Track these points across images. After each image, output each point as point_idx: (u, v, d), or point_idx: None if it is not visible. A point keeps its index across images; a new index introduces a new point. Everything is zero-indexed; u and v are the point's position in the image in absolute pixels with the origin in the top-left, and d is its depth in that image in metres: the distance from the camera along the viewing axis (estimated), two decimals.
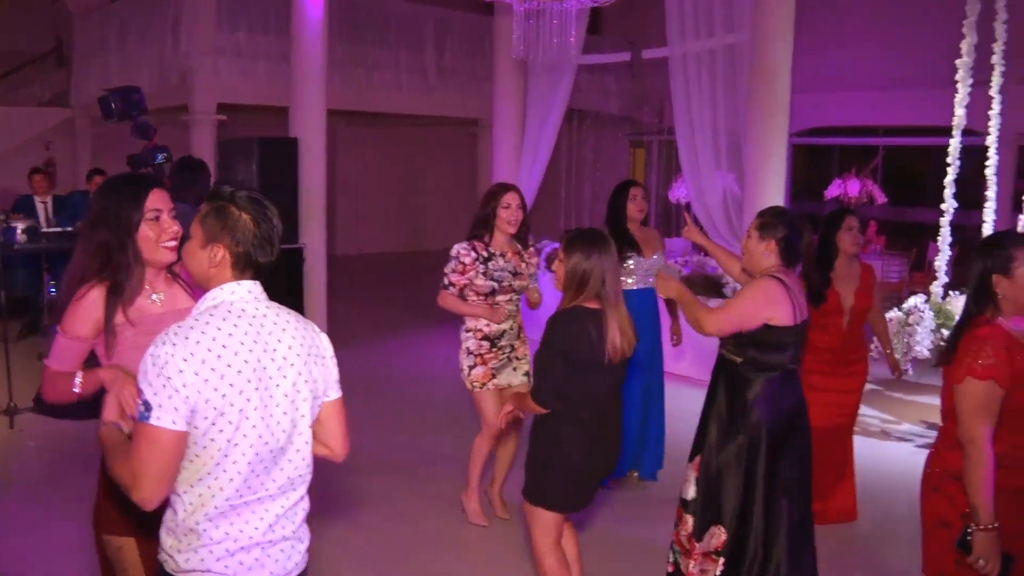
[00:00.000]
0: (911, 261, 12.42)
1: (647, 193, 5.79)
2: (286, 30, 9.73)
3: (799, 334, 3.75)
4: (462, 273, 4.77)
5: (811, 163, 17.62)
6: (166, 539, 2.25)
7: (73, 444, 6.30)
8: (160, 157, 5.55)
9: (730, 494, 3.79)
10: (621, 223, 5.57)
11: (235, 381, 2.15)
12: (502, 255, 4.84)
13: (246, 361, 2.18)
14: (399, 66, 13.60)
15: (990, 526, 2.88)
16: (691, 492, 3.94)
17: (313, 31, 9.09)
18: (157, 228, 2.83)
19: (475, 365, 4.87)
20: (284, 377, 2.26)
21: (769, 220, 3.77)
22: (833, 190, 12.75)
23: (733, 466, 3.78)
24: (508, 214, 4.81)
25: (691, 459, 3.99)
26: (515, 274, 4.84)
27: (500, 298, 4.80)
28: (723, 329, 3.76)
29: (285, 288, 8.63)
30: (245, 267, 2.29)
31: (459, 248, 4.81)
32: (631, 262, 5.56)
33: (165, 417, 2.09)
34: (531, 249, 5.07)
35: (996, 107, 7.24)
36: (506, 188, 4.90)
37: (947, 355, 3.10)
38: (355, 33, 13.11)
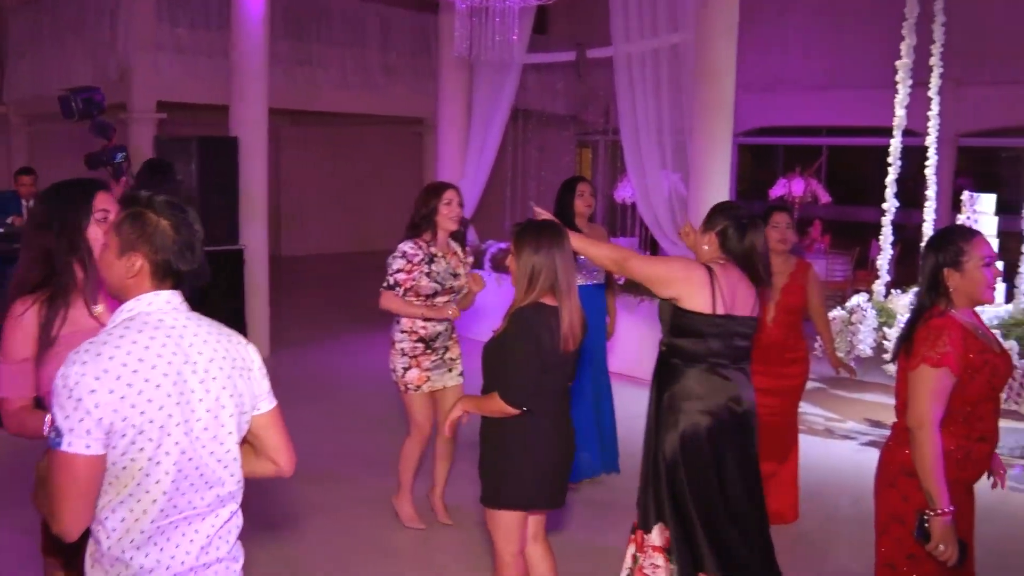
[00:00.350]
0: (855, 260, 12.55)
1: (595, 190, 5.75)
2: (229, 26, 9.53)
3: (722, 327, 3.63)
4: (408, 272, 4.66)
5: (757, 163, 17.79)
6: (93, 572, 2.11)
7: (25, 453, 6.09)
8: (119, 156, 5.61)
9: (668, 492, 3.71)
10: (568, 219, 5.50)
11: (154, 396, 2.03)
12: (443, 256, 4.76)
13: (165, 375, 2.06)
14: (343, 64, 13.43)
15: (945, 510, 2.90)
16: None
17: (254, 26, 8.91)
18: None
19: (409, 367, 4.77)
20: (207, 391, 2.14)
21: (712, 212, 3.78)
22: (778, 189, 12.84)
23: (666, 463, 3.70)
24: (450, 211, 4.72)
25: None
26: (454, 275, 4.77)
27: (440, 300, 4.72)
28: (627, 264, 3.78)
29: (225, 291, 8.46)
30: (165, 276, 2.17)
31: (406, 246, 4.70)
32: (579, 259, 5.52)
33: (77, 442, 1.96)
34: (467, 250, 5.02)
35: (935, 108, 7.31)
36: (446, 185, 4.83)
37: (902, 348, 3.12)
38: (298, 31, 12.91)
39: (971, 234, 3.12)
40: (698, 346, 3.64)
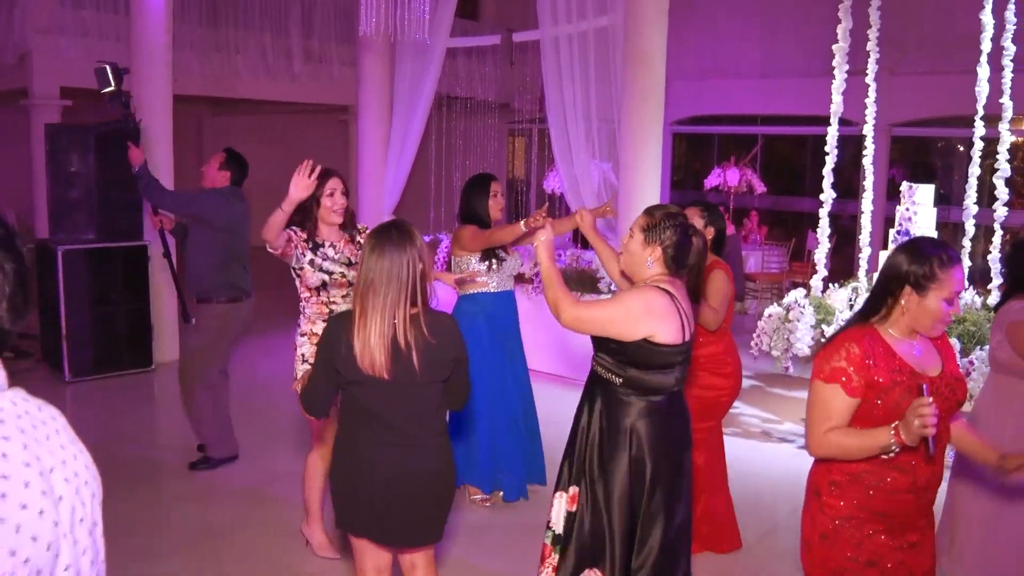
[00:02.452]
0: (791, 251, 12.35)
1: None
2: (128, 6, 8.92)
3: (686, 352, 3.28)
4: (290, 240, 4.15)
5: (691, 151, 17.52)
6: None
7: None
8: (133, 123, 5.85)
9: (613, 535, 3.31)
10: (483, 223, 5.12)
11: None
12: (332, 245, 4.26)
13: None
14: (263, 50, 12.84)
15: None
16: (561, 525, 3.43)
17: (155, 5, 8.32)
18: None
19: None
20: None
21: (657, 222, 3.27)
22: (713, 179, 12.61)
23: (615, 504, 3.30)
24: (332, 202, 4.22)
25: (559, 486, 3.50)
26: (350, 264, 4.24)
27: (334, 292, 4.23)
28: (582, 325, 3.27)
29: (127, 292, 7.88)
30: None
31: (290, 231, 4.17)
32: (497, 264, 5.15)
33: None
34: (363, 228, 4.40)
35: (872, 95, 7.04)
36: (329, 173, 4.28)
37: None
38: (214, 15, 12.30)
39: (950, 262, 2.68)
40: (664, 378, 3.25)
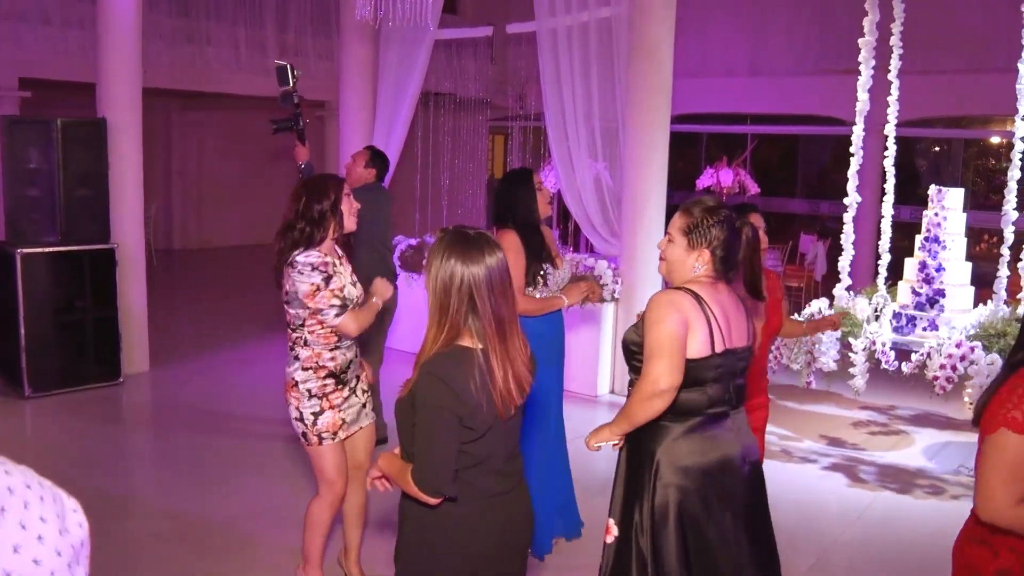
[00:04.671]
0: (786, 254, 11.96)
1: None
2: None
3: (725, 366, 2.82)
4: (332, 287, 3.64)
5: (678, 151, 17.11)
6: None
7: None
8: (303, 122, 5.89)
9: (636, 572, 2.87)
10: (534, 225, 4.43)
11: None
12: (339, 263, 3.77)
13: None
14: (236, 43, 12.27)
15: None
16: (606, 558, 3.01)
17: None
18: None
19: (321, 411, 3.68)
20: None
21: (698, 220, 2.83)
22: (705, 179, 12.18)
23: (639, 538, 2.86)
24: (351, 205, 3.82)
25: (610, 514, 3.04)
26: (353, 284, 3.77)
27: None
28: (675, 380, 2.73)
29: (93, 298, 7.28)
30: None
31: (312, 258, 3.60)
32: (549, 279, 4.43)
33: None
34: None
35: (895, 92, 6.60)
36: (342, 179, 3.89)
37: (979, 411, 2.30)
38: (185, 5, 11.71)
39: None
40: (697, 397, 2.79)
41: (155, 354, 7.96)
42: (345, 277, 3.70)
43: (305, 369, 3.70)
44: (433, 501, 2.39)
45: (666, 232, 2.95)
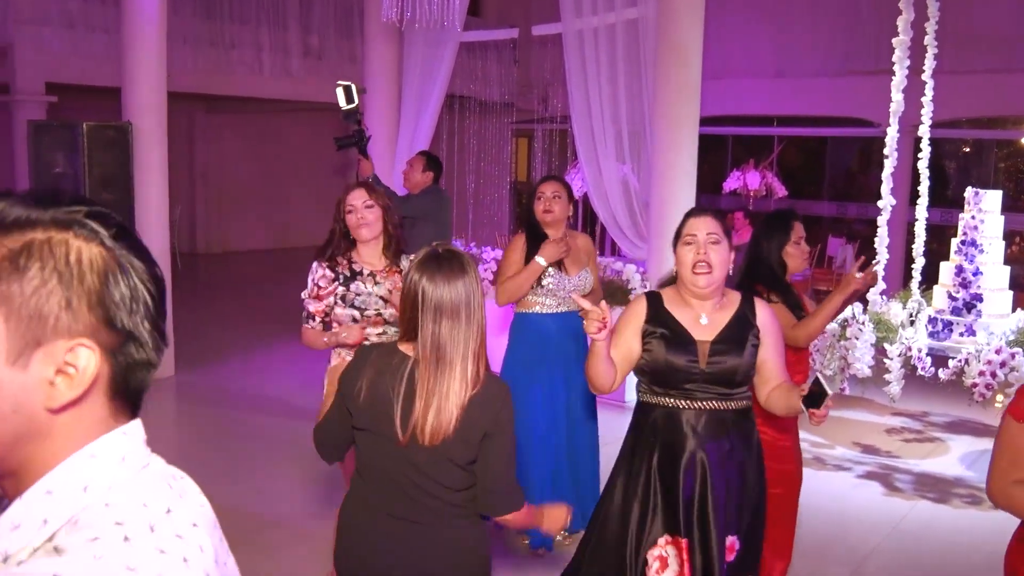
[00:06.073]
0: (814, 258, 11.81)
1: (566, 187, 4.61)
2: None
3: None
4: (320, 299, 3.62)
5: (703, 154, 16.98)
6: None
7: None
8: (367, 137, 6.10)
9: None
10: (534, 228, 4.49)
11: None
12: (371, 274, 3.70)
13: None
14: (259, 46, 12.25)
15: None
16: None
17: None
18: None
19: None
20: None
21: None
22: (732, 182, 12.06)
23: None
24: (355, 218, 3.66)
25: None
26: (387, 300, 3.68)
27: (370, 332, 3.64)
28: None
29: None
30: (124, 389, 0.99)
31: (314, 266, 3.67)
32: (548, 281, 4.43)
33: None
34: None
35: (929, 93, 6.46)
36: (348, 189, 3.76)
37: None
38: (209, 8, 11.70)
39: None
40: None
41: (179, 358, 7.93)
42: (354, 294, 3.63)
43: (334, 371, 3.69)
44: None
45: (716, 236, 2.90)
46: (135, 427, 1.00)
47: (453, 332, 2.31)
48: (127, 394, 0.98)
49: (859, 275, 3.89)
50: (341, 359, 3.65)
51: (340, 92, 5.94)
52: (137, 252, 0.97)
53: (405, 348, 2.40)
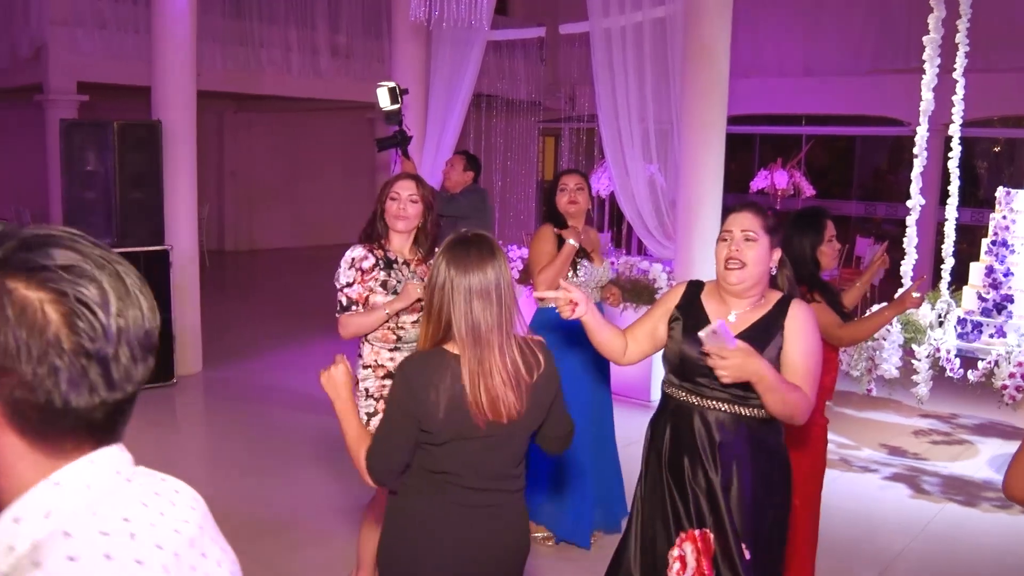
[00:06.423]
0: (842, 257, 11.73)
1: (587, 180, 4.72)
2: None
3: None
4: (363, 283, 3.62)
5: (731, 153, 16.92)
6: None
7: None
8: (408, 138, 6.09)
9: None
10: (558, 219, 4.59)
11: None
12: (406, 263, 3.72)
13: None
14: (288, 45, 12.33)
15: None
16: None
17: None
18: None
19: (376, 413, 3.64)
20: None
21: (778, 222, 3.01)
22: (759, 182, 12.00)
23: None
24: (396, 207, 3.67)
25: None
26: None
27: (404, 317, 3.65)
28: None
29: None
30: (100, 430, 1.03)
31: (355, 252, 3.67)
32: (581, 272, 4.54)
33: None
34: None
35: (960, 91, 6.39)
36: (399, 177, 3.79)
37: None
38: (239, 8, 11.79)
39: None
40: None
41: (208, 355, 8.00)
42: (395, 281, 3.64)
43: (365, 367, 3.71)
44: (370, 483, 2.50)
45: (749, 233, 2.87)
46: (105, 454, 1.01)
47: (486, 312, 2.34)
48: (52, 429, 0.97)
49: (916, 294, 3.90)
50: (375, 352, 3.67)
51: (384, 93, 5.93)
52: (41, 280, 0.95)
53: (449, 346, 2.41)
